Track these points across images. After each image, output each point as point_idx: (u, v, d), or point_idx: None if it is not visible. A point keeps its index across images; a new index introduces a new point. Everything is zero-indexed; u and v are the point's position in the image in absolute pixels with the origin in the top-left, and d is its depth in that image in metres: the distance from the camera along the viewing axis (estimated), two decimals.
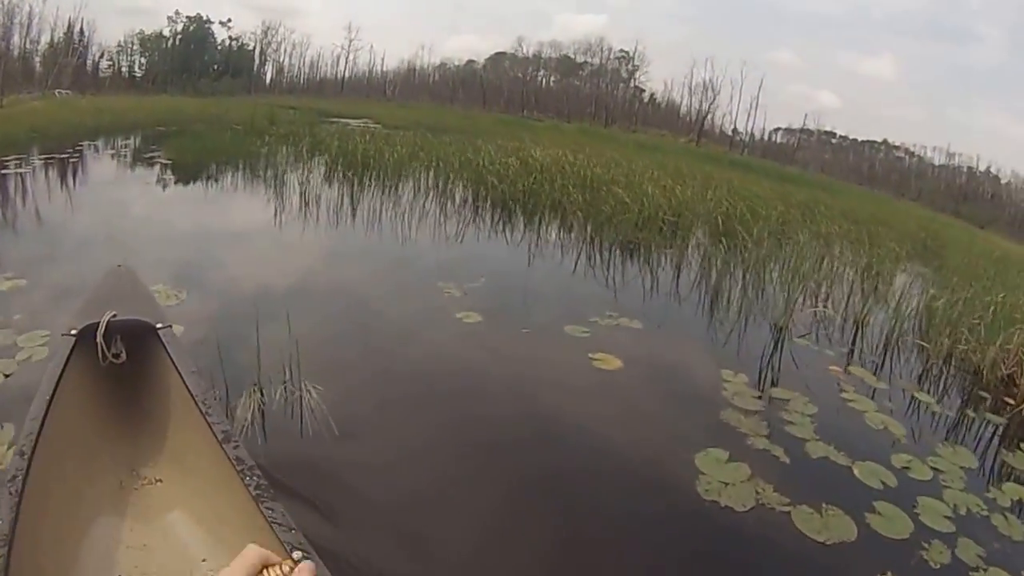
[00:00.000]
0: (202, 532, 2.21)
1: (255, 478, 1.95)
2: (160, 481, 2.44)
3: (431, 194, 11.67)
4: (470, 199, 11.66)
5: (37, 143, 18.80)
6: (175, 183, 12.01)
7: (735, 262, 8.25)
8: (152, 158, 14.61)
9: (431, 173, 13.49)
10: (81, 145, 17.37)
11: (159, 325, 2.69)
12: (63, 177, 11.66)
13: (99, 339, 2.53)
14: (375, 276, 6.88)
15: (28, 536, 1.74)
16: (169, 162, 13.66)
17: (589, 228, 9.93)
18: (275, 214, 9.23)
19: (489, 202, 11.40)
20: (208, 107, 30.99)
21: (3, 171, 11.70)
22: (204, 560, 2.11)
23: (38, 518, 1.86)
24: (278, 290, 5.85)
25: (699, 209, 11.49)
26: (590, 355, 4.92)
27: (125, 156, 16.07)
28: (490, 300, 6.03)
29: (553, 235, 9.51)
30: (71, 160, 13.76)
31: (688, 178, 15.14)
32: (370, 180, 12.39)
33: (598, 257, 8.56)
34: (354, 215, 9.61)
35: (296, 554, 1.27)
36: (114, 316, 2.60)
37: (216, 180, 12.33)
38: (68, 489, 2.17)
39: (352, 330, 5.14)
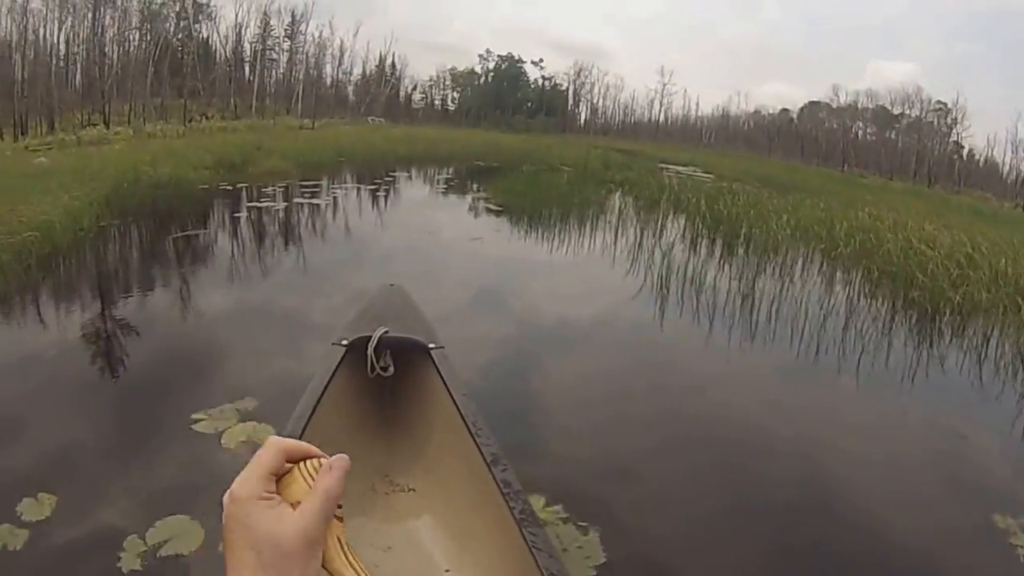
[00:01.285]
0: (450, 543, 2.27)
1: (520, 502, 1.94)
2: (412, 490, 2.56)
3: (837, 288, 8.68)
4: (892, 303, 8.29)
5: (347, 167, 19.59)
6: (511, 235, 10.64)
7: None
8: (477, 199, 13.78)
9: (812, 248, 10.52)
10: (394, 174, 17.62)
11: (431, 345, 2.75)
12: (380, 211, 11.66)
13: (370, 352, 2.66)
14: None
15: None
16: (499, 208, 12.46)
17: None
18: (638, 295, 7.29)
19: (917, 312, 7.85)
20: (525, 144, 31.21)
21: (312, 195, 11.53)
22: (447, 571, 2.18)
23: None
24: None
25: None
26: None
27: (445, 192, 15.85)
28: None
29: None
30: (383, 190, 14.00)
31: None
32: (748, 254, 9.73)
33: None
34: (750, 312, 6.94)
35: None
36: (386, 332, 2.70)
37: (561, 238, 10.63)
38: None
39: None
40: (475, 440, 2.26)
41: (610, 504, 3.22)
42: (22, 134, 32.86)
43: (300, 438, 1.99)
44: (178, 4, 43.07)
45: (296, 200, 12.16)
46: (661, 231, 10.87)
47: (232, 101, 46.01)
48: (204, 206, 11.71)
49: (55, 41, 38.06)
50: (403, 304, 3.22)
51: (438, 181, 18.21)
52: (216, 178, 14.49)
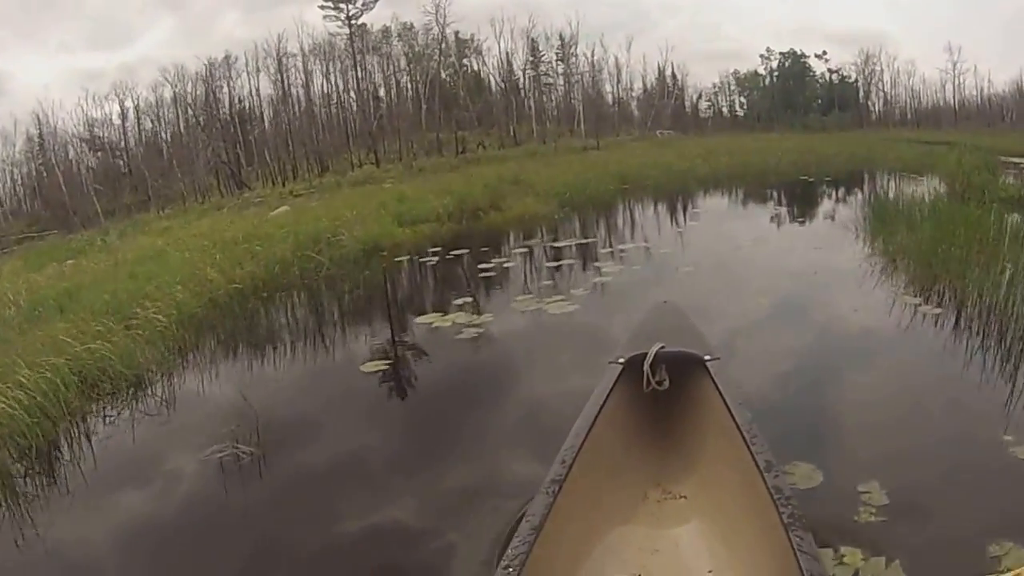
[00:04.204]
0: (717, 546, 2.32)
1: (790, 507, 1.92)
2: (684, 497, 2.61)
3: None
4: None
5: (632, 199, 14.69)
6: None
7: None
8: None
9: None
10: (699, 209, 12.16)
11: (707, 357, 2.81)
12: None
13: (646, 368, 2.75)
14: None
15: (555, 531, 2.02)
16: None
17: None
18: None
19: None
20: (836, 146, 23.70)
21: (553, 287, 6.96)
22: (710, 572, 2.21)
23: (567, 517, 2.14)
24: None
25: None
26: None
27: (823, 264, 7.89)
28: None
29: None
30: (693, 257, 8.29)
31: None
32: None
33: None
34: None
35: None
36: (662, 348, 2.78)
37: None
38: (597, 495, 2.43)
39: None
40: (749, 448, 2.26)
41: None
42: (293, 178, 35.32)
43: (578, 452, 2.33)
44: (443, 43, 44.04)
45: (515, 310, 6.53)
46: None
47: (511, 128, 45.86)
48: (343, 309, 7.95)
49: (322, 90, 41.01)
50: (677, 319, 3.36)
51: (781, 223, 10.98)
52: (435, 235, 11.02)
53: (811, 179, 16.39)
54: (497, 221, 12.18)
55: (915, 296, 5.66)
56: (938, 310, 5.29)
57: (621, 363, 2.82)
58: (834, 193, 14.73)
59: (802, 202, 13.53)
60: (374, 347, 5.77)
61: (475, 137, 43.69)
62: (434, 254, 9.65)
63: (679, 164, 19.87)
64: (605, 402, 2.61)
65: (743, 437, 2.33)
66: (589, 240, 10.09)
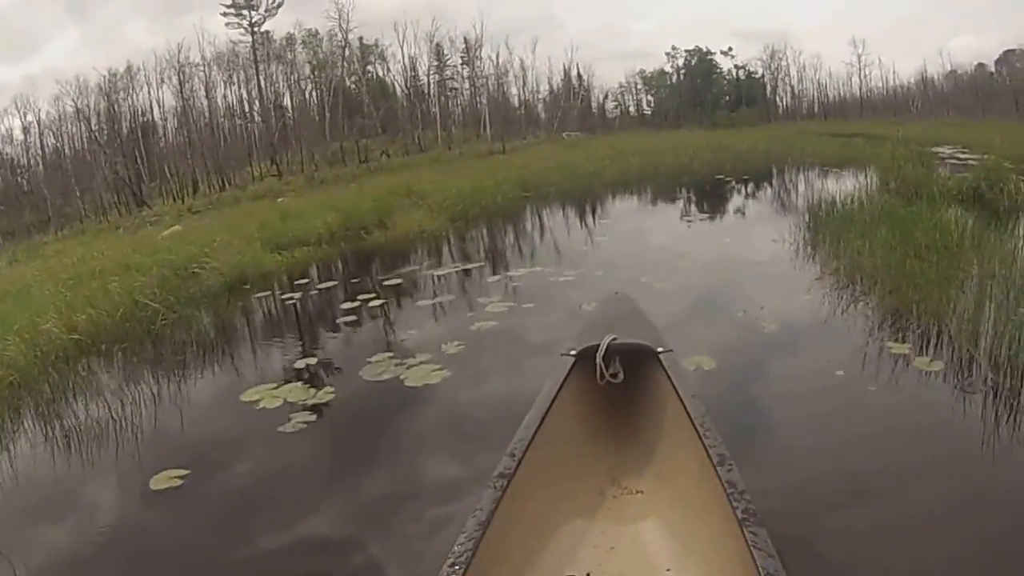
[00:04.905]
0: (673, 543, 2.24)
1: (744, 502, 1.88)
2: (640, 492, 2.52)
3: None
4: None
5: (535, 208, 12.97)
6: None
7: None
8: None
9: None
10: (608, 220, 10.06)
11: (660, 349, 2.72)
12: None
13: (599, 360, 2.65)
14: None
15: (504, 527, 1.95)
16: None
17: None
18: None
19: None
20: (747, 141, 22.97)
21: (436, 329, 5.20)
22: (668, 569, 2.14)
23: (517, 512, 2.06)
24: None
25: None
26: None
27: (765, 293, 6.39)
28: None
29: None
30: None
31: None
32: None
33: None
34: None
35: None
36: (614, 339, 2.68)
37: None
38: (549, 491, 2.33)
39: None
40: (703, 441, 2.19)
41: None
42: (194, 192, 33.59)
43: (529, 445, 2.23)
44: (347, 50, 42.49)
45: (364, 381, 4.65)
46: None
47: (415, 135, 44.48)
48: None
49: (224, 101, 39.36)
50: (629, 311, 3.30)
51: (706, 237, 9.03)
52: (309, 261, 9.33)
53: (728, 179, 15.12)
54: (380, 242, 10.37)
55: (901, 342, 4.10)
56: (937, 365, 3.76)
57: (573, 355, 2.73)
58: (757, 193, 13.54)
59: (724, 208, 12.02)
60: (174, 449, 3.91)
61: (379, 145, 42.23)
62: (300, 287, 7.87)
63: (586, 166, 18.41)
64: (557, 394, 2.53)
65: (697, 431, 2.25)
66: (477, 264, 8.21)
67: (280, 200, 19.77)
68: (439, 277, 7.67)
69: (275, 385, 4.62)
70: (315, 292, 7.66)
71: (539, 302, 6.05)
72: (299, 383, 4.62)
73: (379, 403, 4.23)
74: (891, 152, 10.39)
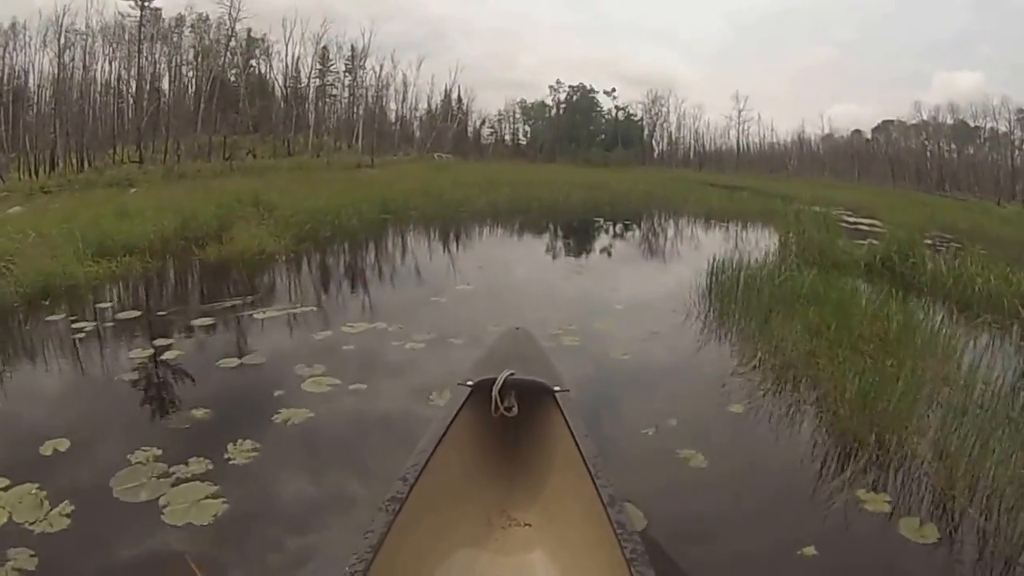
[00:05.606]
0: None
1: (633, 543, 1.89)
2: (529, 525, 2.50)
3: None
4: None
5: (395, 235, 11.81)
6: None
7: None
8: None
9: None
10: (471, 277, 8.31)
11: (556, 388, 2.73)
12: None
13: (495, 393, 2.63)
14: None
15: (394, 550, 1.92)
16: None
17: None
18: None
19: None
20: (624, 183, 22.77)
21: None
22: None
23: (407, 536, 2.03)
24: None
25: None
26: None
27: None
28: None
29: None
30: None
31: None
32: None
33: None
34: None
35: None
36: (511, 374, 2.68)
37: None
38: (439, 518, 2.30)
39: None
40: (594, 481, 2.20)
41: None
42: (51, 170, 29.72)
43: (421, 472, 2.20)
44: (233, 40, 39.56)
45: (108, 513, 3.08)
46: None
47: (286, 138, 42.01)
48: None
49: (101, 76, 35.53)
50: (528, 347, 3.27)
51: (588, 296, 7.73)
52: (129, 275, 7.70)
53: (608, 221, 14.29)
54: (211, 259, 8.65)
55: (875, 491, 3.03)
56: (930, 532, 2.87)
57: (469, 386, 2.71)
58: (644, 244, 12.56)
59: (609, 259, 10.86)
60: None
61: (249, 144, 39.50)
62: (101, 312, 6.27)
63: (454, 192, 16.99)
64: (451, 424, 2.52)
65: (588, 470, 2.26)
66: (310, 308, 6.47)
67: (132, 191, 18.27)
68: (258, 323, 5.92)
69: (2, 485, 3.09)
70: (111, 324, 5.91)
71: (374, 381, 4.46)
72: (34, 487, 3.07)
73: (119, 551, 2.71)
74: (795, 213, 9.88)
